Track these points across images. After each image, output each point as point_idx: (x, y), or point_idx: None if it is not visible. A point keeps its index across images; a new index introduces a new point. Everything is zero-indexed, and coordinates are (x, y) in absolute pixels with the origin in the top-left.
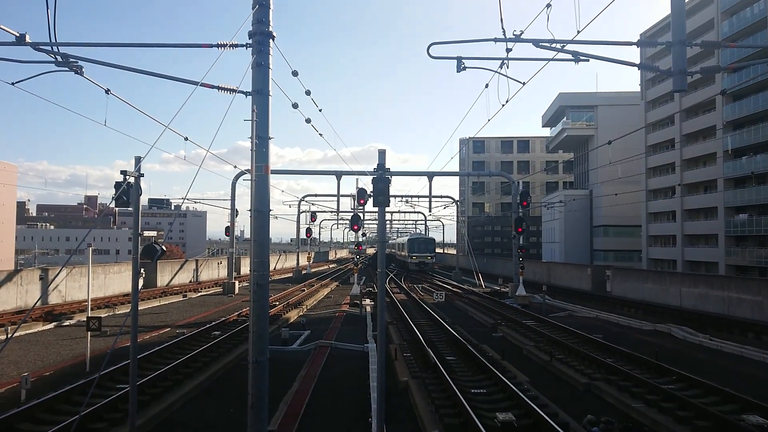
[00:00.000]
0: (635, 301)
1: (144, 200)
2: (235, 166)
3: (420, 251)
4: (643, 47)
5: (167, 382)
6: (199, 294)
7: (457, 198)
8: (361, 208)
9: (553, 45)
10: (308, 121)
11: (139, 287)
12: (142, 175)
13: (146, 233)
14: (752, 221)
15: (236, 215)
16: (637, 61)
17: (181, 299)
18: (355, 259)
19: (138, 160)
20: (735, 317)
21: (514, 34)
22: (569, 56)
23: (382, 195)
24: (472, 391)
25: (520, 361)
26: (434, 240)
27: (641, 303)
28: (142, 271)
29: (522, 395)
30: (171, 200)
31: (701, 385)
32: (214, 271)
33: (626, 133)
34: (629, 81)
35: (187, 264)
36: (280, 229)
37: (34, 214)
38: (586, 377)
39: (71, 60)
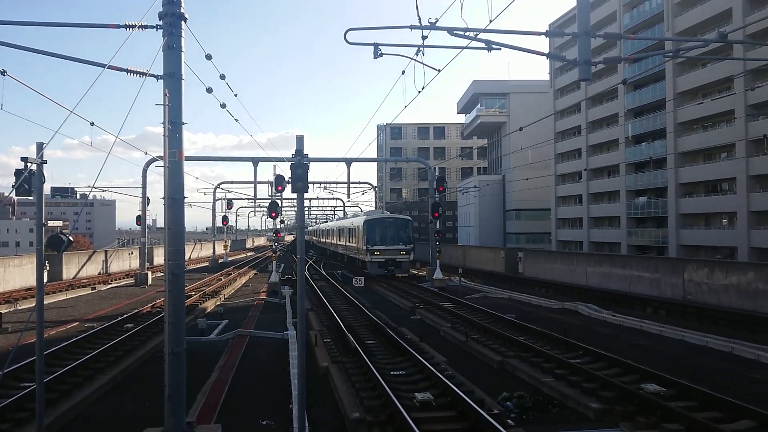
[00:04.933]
0: (545, 281)
1: (46, 189)
2: (146, 153)
3: (387, 242)
4: (551, 37)
5: (77, 378)
6: (110, 286)
7: (375, 184)
8: (279, 194)
9: (467, 33)
10: (223, 106)
11: (44, 280)
12: (45, 162)
13: (50, 223)
14: (651, 203)
15: (148, 203)
16: (546, 51)
17: (90, 292)
18: (274, 247)
19: (40, 146)
20: (635, 294)
21: (429, 22)
22: (482, 45)
23: (300, 181)
24: (392, 373)
25: (438, 342)
26: (411, 222)
27: (551, 283)
28: (46, 263)
29: (439, 375)
30: (76, 189)
31: (605, 359)
32: (125, 261)
33: (536, 120)
34: (539, 70)
35: (95, 255)
36: (195, 218)
37: None
38: (500, 355)
39: None
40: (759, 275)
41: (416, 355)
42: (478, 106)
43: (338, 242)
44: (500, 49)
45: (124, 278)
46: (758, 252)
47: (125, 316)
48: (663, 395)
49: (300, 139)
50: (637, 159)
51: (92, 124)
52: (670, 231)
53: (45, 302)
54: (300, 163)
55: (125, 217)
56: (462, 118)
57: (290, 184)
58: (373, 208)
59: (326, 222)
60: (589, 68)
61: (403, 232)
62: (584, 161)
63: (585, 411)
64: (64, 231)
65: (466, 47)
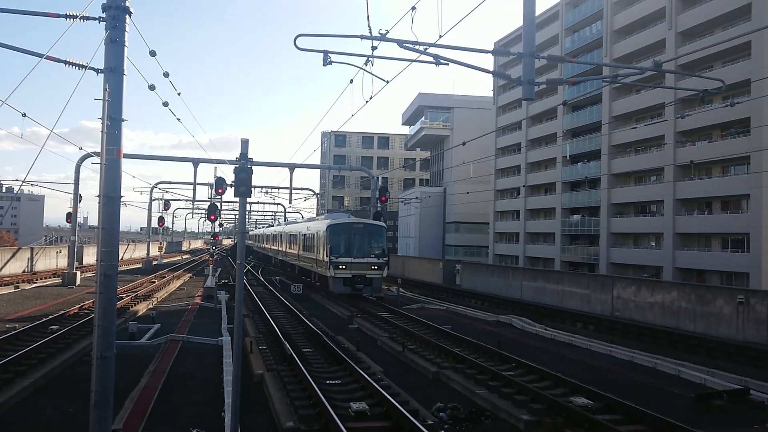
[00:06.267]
0: (482, 293)
1: None
2: (81, 148)
3: (355, 253)
4: (496, 56)
5: None
6: (35, 285)
7: (317, 190)
8: (219, 197)
9: (416, 47)
10: (165, 104)
11: None
12: None
13: None
14: (584, 221)
15: (80, 201)
16: (491, 68)
17: (13, 291)
18: (211, 250)
19: None
20: (567, 309)
21: (379, 33)
22: (431, 59)
23: (244, 185)
24: (327, 382)
25: (375, 351)
26: (385, 230)
27: (487, 296)
28: None
29: (375, 385)
30: (2, 182)
31: (537, 371)
32: (53, 260)
33: (479, 135)
34: (483, 86)
35: (20, 252)
36: (130, 217)
37: None
38: (436, 366)
39: None
40: (682, 294)
41: (353, 364)
42: (423, 118)
43: (288, 250)
44: (448, 64)
45: (50, 277)
46: (682, 272)
47: (50, 317)
48: (591, 408)
49: (245, 143)
50: (573, 178)
51: (24, 115)
52: (602, 249)
53: None
54: (244, 167)
55: (54, 213)
56: (406, 130)
57: (233, 188)
58: (314, 215)
59: (272, 226)
60: (533, 88)
61: (376, 242)
62: (523, 178)
63: (516, 423)
64: None
65: (415, 60)
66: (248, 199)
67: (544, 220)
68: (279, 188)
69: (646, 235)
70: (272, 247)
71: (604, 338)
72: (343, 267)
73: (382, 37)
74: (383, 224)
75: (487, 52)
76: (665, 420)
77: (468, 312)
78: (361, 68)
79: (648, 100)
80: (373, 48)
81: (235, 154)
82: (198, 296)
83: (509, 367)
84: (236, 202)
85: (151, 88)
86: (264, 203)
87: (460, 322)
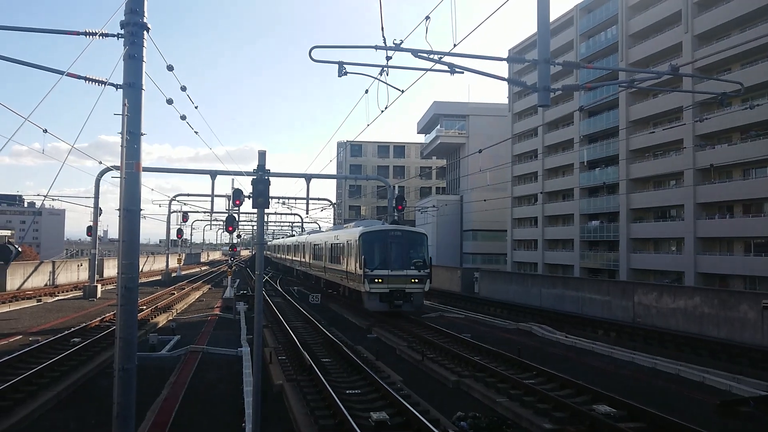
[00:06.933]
0: (501, 301)
1: None
2: (100, 162)
3: (392, 265)
4: (511, 63)
5: (19, 394)
6: (57, 298)
7: (334, 200)
8: (237, 209)
9: (431, 56)
10: (183, 118)
11: None
12: None
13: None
14: (603, 227)
15: (100, 214)
16: (506, 76)
17: (36, 304)
18: (229, 262)
19: None
20: (587, 315)
21: (394, 43)
22: (446, 67)
23: (262, 196)
24: (347, 391)
25: (394, 361)
26: (426, 238)
27: (506, 303)
28: None
29: (395, 394)
30: (24, 197)
31: (558, 379)
32: (74, 273)
33: (495, 142)
34: (498, 93)
35: (42, 266)
36: (149, 230)
37: None
38: (456, 375)
39: None
40: (705, 300)
41: (372, 374)
42: (438, 126)
43: (312, 261)
44: (463, 72)
45: (72, 290)
46: (704, 277)
47: (72, 329)
48: (614, 416)
49: (262, 155)
50: (591, 184)
51: (45, 131)
52: (621, 255)
53: None
54: (262, 178)
55: (75, 227)
56: (422, 138)
57: (251, 199)
58: (332, 224)
59: (292, 236)
60: (548, 94)
61: (416, 251)
62: (540, 184)
63: (538, 431)
64: (11, 241)
65: (430, 69)
66: (266, 210)
67: (563, 227)
68: (296, 199)
69: (667, 240)
70: (294, 258)
71: (625, 345)
72: (380, 280)
73: (397, 47)
74: (423, 231)
75: (501, 59)
76: (690, 428)
77: (487, 320)
78: (376, 78)
79: (666, 104)
80: (388, 58)
81: (251, 165)
82: (217, 307)
83: (530, 375)
84: (254, 213)
85: (169, 102)
86: (281, 214)
87: (480, 330)
